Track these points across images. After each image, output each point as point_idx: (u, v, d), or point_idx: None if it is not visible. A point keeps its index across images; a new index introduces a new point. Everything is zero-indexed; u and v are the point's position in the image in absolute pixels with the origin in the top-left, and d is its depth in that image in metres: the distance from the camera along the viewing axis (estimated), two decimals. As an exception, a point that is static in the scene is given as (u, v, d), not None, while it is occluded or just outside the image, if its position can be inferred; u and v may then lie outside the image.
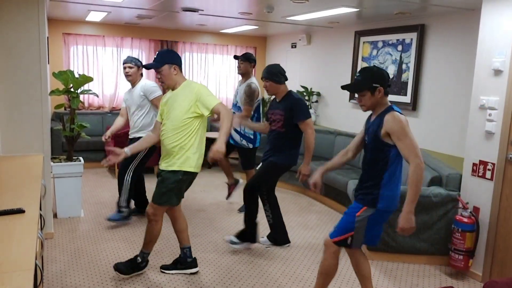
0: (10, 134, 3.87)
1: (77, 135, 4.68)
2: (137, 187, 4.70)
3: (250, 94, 4.72)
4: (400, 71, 5.49)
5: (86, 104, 7.63)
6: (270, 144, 4.02)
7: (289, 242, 4.28)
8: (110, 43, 7.65)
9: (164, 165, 3.30)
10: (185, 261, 3.58)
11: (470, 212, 3.66)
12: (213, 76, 8.48)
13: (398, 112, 2.65)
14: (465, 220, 3.62)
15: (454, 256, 3.68)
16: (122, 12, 5.98)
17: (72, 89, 4.53)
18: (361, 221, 2.75)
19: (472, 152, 3.73)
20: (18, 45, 3.79)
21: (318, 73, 7.19)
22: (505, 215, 3.51)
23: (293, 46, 7.81)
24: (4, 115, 3.83)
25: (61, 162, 4.67)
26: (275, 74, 3.92)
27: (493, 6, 3.53)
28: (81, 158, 4.84)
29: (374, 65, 3.05)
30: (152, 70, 3.36)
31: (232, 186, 5.17)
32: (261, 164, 4.14)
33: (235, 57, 5.04)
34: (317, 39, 7.19)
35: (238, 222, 4.74)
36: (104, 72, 7.67)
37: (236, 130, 4.80)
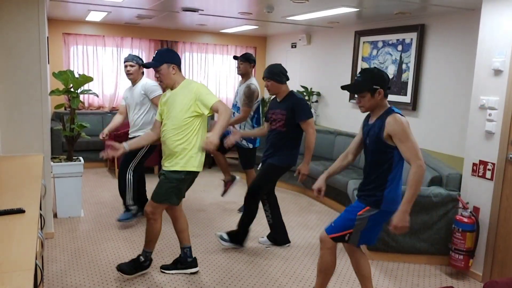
0: (10, 134, 3.87)
1: (77, 135, 4.68)
2: (138, 186, 4.70)
3: (249, 95, 4.72)
4: (400, 71, 5.49)
5: (86, 104, 7.63)
6: (270, 143, 4.02)
7: (289, 242, 4.28)
8: (110, 43, 7.65)
9: (166, 165, 3.30)
10: (185, 261, 3.58)
11: (470, 212, 3.66)
12: (213, 76, 8.48)
13: (399, 114, 2.66)
14: (465, 220, 3.62)
15: (454, 256, 3.68)
16: (122, 12, 5.98)
17: (72, 89, 4.53)
18: (361, 219, 2.76)
19: (472, 152, 3.73)
20: (18, 45, 3.79)
21: (318, 73, 7.19)
22: (505, 215, 3.51)
23: (293, 46, 7.81)
24: (4, 115, 3.83)
25: (61, 162, 4.68)
26: (277, 74, 3.92)
27: (493, 6, 3.53)
28: (81, 158, 4.85)
29: (375, 67, 3.06)
30: (152, 69, 3.38)
31: (228, 183, 5.15)
32: (261, 164, 4.14)
33: (235, 57, 5.03)
34: (317, 39, 7.19)
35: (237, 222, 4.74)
36: (104, 72, 7.66)
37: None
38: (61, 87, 4.55)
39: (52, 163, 4.44)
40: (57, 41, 7.23)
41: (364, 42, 6.08)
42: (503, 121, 3.46)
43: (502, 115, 3.46)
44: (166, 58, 3.25)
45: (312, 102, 7.10)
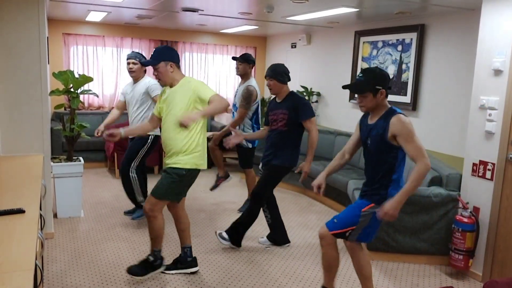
0: (10, 134, 3.87)
1: (77, 135, 4.68)
2: (142, 182, 4.70)
3: (247, 97, 4.72)
4: (400, 71, 5.49)
5: (86, 104, 7.63)
6: (270, 144, 4.01)
7: (288, 242, 4.28)
8: (110, 43, 7.65)
9: (168, 162, 3.31)
10: (185, 260, 3.58)
11: (470, 212, 3.66)
12: (213, 76, 8.48)
13: (402, 114, 2.67)
14: (465, 220, 3.62)
15: (454, 256, 3.68)
16: (122, 12, 5.98)
17: (72, 89, 4.53)
18: (366, 216, 2.77)
19: (472, 152, 3.73)
20: (18, 45, 3.79)
21: (318, 73, 7.19)
22: (505, 215, 3.51)
23: (293, 46, 7.81)
24: (4, 115, 3.83)
25: (61, 162, 4.67)
26: (280, 74, 3.92)
27: (493, 6, 3.53)
28: (81, 158, 4.84)
29: (377, 66, 3.05)
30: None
31: (221, 179, 5.13)
32: (261, 165, 4.14)
33: (234, 58, 5.03)
34: (317, 39, 7.18)
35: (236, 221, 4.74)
36: (104, 72, 7.67)
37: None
38: (61, 87, 4.55)
39: (52, 163, 4.44)
40: (57, 41, 7.23)
41: (364, 42, 6.08)
42: (503, 121, 3.46)
43: (502, 115, 3.46)
44: (164, 56, 3.25)
45: (312, 102, 7.09)
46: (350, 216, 2.83)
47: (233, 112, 5.10)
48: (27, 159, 3.62)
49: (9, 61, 3.79)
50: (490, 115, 3.54)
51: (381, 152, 2.72)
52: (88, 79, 4.56)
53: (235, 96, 5.08)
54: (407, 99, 5.36)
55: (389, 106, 2.75)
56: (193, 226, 4.56)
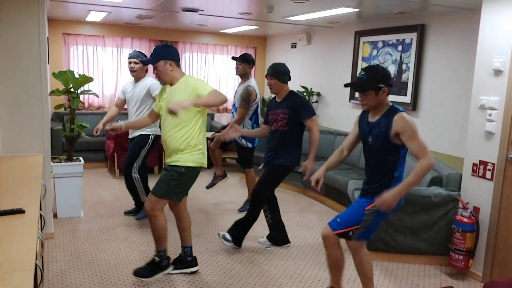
0: (10, 134, 3.87)
1: (77, 135, 4.68)
2: (145, 181, 4.70)
3: (246, 97, 4.71)
4: (400, 71, 5.49)
5: (86, 104, 7.63)
6: (272, 144, 4.00)
7: (288, 242, 4.28)
8: (110, 43, 7.65)
9: (168, 161, 3.32)
10: (185, 260, 3.58)
11: (470, 212, 3.66)
12: (213, 76, 8.48)
13: (404, 112, 2.67)
14: (465, 220, 3.62)
15: (454, 256, 3.68)
16: (122, 12, 5.98)
17: (72, 89, 4.53)
18: (369, 214, 2.77)
19: (472, 152, 3.73)
20: (18, 45, 3.79)
21: (318, 73, 7.19)
22: (505, 215, 3.51)
23: (293, 46, 7.81)
24: (4, 115, 3.83)
25: (61, 162, 4.67)
26: (281, 73, 3.92)
27: (493, 6, 3.53)
28: (81, 158, 4.84)
29: (378, 64, 3.05)
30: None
31: (218, 178, 5.13)
32: (262, 165, 4.13)
33: (233, 58, 5.02)
34: (317, 39, 7.18)
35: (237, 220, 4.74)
36: (104, 72, 7.67)
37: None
38: (61, 87, 4.55)
39: (52, 163, 4.44)
40: (57, 41, 7.23)
41: (364, 42, 6.08)
42: (503, 121, 3.46)
43: (502, 115, 3.46)
44: (163, 55, 3.25)
45: (312, 102, 7.09)
46: (354, 215, 2.82)
47: (233, 112, 5.10)
48: (27, 159, 3.62)
49: (9, 61, 3.79)
50: (490, 115, 3.54)
51: (383, 150, 2.72)
52: (88, 79, 4.56)
53: (234, 96, 5.08)
54: (407, 99, 5.36)
55: (391, 104, 2.75)
56: (193, 226, 4.54)
